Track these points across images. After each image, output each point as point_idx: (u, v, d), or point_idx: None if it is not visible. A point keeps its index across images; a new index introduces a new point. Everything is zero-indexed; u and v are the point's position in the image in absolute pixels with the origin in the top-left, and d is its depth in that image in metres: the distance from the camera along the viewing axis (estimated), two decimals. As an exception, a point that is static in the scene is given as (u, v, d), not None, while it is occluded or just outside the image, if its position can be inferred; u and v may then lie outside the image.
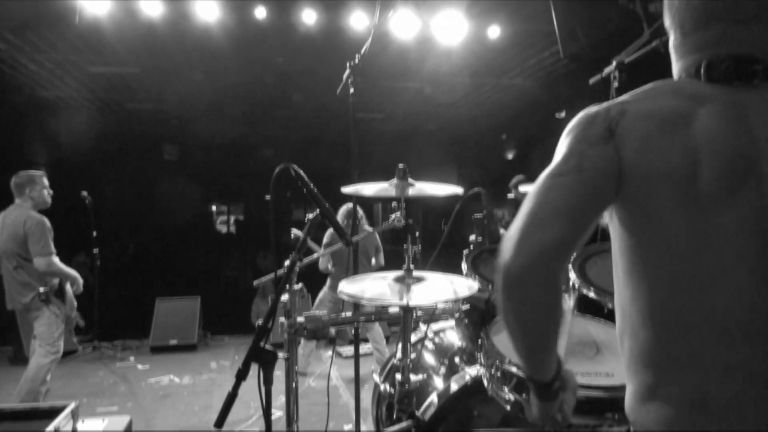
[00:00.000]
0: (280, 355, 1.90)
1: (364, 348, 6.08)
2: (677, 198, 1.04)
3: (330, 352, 6.61)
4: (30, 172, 4.59)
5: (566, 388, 1.27)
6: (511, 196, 5.92)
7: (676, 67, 1.25)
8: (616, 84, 2.61)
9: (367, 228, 5.37)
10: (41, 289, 4.36)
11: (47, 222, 4.44)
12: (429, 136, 10.77)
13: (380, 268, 5.11)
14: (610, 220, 1.20)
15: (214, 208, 13.03)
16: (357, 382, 2.98)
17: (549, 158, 1.19)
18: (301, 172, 1.92)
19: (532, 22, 5.94)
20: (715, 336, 1.02)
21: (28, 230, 4.30)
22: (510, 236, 1.08)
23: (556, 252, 1.05)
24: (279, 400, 2.36)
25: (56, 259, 4.39)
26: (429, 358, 2.63)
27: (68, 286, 4.57)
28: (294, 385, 2.08)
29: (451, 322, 2.70)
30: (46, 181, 4.66)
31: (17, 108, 7.74)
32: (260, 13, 5.59)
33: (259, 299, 7.76)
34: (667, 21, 1.25)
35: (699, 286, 1.03)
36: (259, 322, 1.78)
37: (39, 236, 4.31)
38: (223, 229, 13.18)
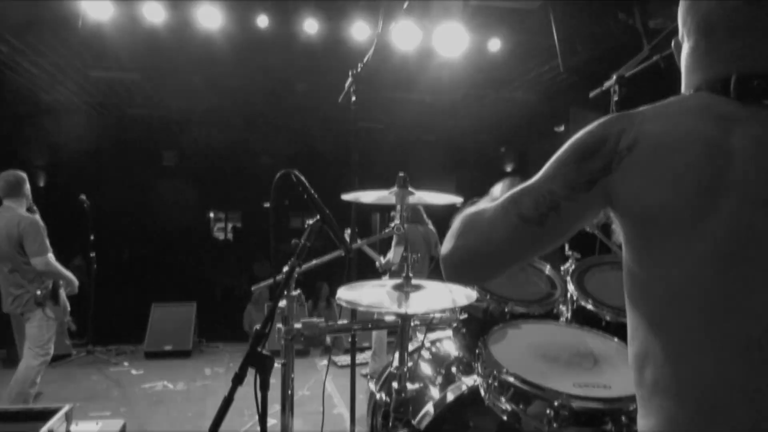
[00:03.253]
0: (277, 362, 1.90)
1: (360, 357, 6.06)
2: (684, 234, 0.97)
3: (325, 361, 6.62)
4: (17, 171, 4.47)
5: None
6: None
7: (692, 78, 1.13)
8: (616, 98, 2.63)
9: (427, 220, 5.61)
10: (38, 292, 4.32)
11: (41, 221, 4.39)
12: (429, 147, 10.81)
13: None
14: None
15: (211, 214, 13.04)
16: (352, 390, 2.98)
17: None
18: (302, 178, 1.92)
19: (532, 36, 5.99)
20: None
21: (23, 231, 4.23)
22: (455, 231, 1.19)
23: (481, 276, 1.28)
24: (273, 408, 2.33)
25: (53, 258, 4.35)
26: (426, 368, 2.62)
27: (62, 290, 4.52)
28: (289, 392, 2.08)
29: (449, 332, 2.70)
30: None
31: (17, 111, 7.75)
32: (262, 21, 5.63)
33: (252, 307, 7.74)
34: (685, 24, 1.13)
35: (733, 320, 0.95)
36: (257, 327, 1.78)
37: (35, 236, 4.25)
38: (221, 235, 13.18)
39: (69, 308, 4.66)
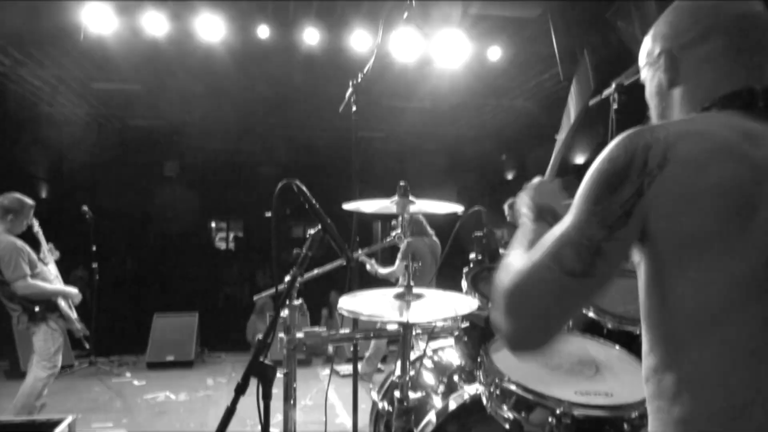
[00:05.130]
0: (279, 372, 1.90)
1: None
2: (717, 254, 0.94)
3: (327, 371, 6.60)
4: (23, 200, 4.38)
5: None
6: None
7: (705, 79, 1.12)
8: (615, 106, 2.64)
9: (430, 231, 5.62)
10: (36, 308, 4.28)
11: (17, 243, 4.25)
12: (429, 156, 10.82)
13: None
14: (636, 262, 1.10)
15: (213, 224, 13.04)
16: (355, 400, 2.97)
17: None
18: (304, 188, 1.93)
19: (532, 44, 6.02)
20: None
21: None
22: (501, 302, 1.08)
23: (543, 341, 1.07)
24: (276, 418, 2.33)
25: (33, 281, 4.22)
26: (428, 377, 2.62)
27: (60, 301, 4.48)
28: (292, 402, 2.08)
29: (451, 341, 2.70)
30: (31, 213, 4.49)
31: (20, 122, 7.78)
32: (263, 32, 5.66)
33: (256, 317, 7.73)
34: (701, 26, 1.12)
35: (731, 340, 0.95)
36: (259, 336, 1.78)
37: (8, 260, 4.11)
38: (222, 245, 13.18)
39: (74, 315, 4.65)
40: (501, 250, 5.09)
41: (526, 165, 10.30)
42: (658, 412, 1.05)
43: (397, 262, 5.33)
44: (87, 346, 6.00)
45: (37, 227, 4.70)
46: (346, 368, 6.34)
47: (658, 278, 1.03)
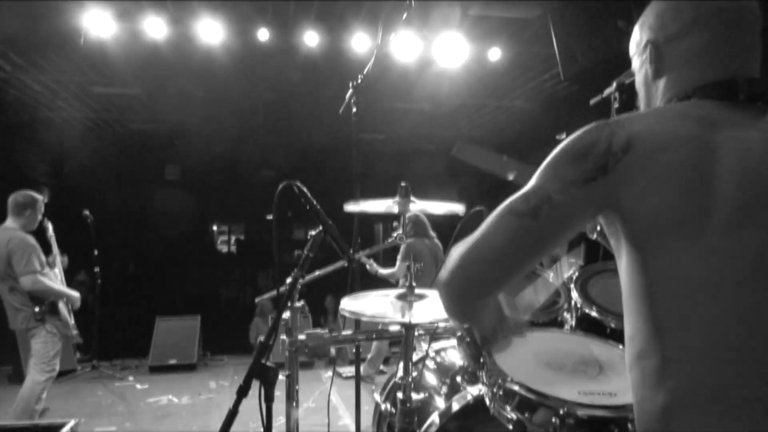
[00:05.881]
0: (281, 375, 1.89)
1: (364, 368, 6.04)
2: (689, 231, 0.98)
3: (330, 373, 6.59)
4: (33, 194, 4.51)
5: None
6: None
7: (686, 70, 1.14)
8: (616, 105, 2.63)
9: (432, 234, 5.60)
10: (36, 309, 4.32)
11: (31, 240, 4.37)
12: (429, 157, 10.82)
13: None
14: (616, 250, 1.13)
15: (215, 227, 13.05)
16: (357, 401, 2.97)
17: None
18: (305, 189, 1.93)
19: (532, 45, 6.01)
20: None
21: (10, 250, 4.22)
22: (453, 256, 1.14)
23: (486, 288, 1.16)
24: (278, 420, 2.32)
25: (41, 278, 4.30)
26: (430, 378, 2.61)
27: (61, 305, 4.51)
28: (294, 404, 2.07)
29: (453, 341, 2.69)
30: (43, 207, 4.60)
31: (21, 127, 7.79)
32: (263, 35, 5.66)
33: (259, 319, 7.73)
34: (680, 17, 1.15)
35: (711, 317, 0.96)
36: (261, 338, 1.78)
37: (21, 255, 4.22)
38: (224, 248, 13.19)
39: (72, 322, 4.67)
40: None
41: (526, 166, 10.30)
42: (643, 402, 1.05)
43: (398, 263, 5.32)
44: (78, 355, 6.01)
45: (51, 232, 4.85)
46: (349, 370, 6.34)
47: (637, 261, 1.05)
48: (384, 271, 5.45)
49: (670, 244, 0.99)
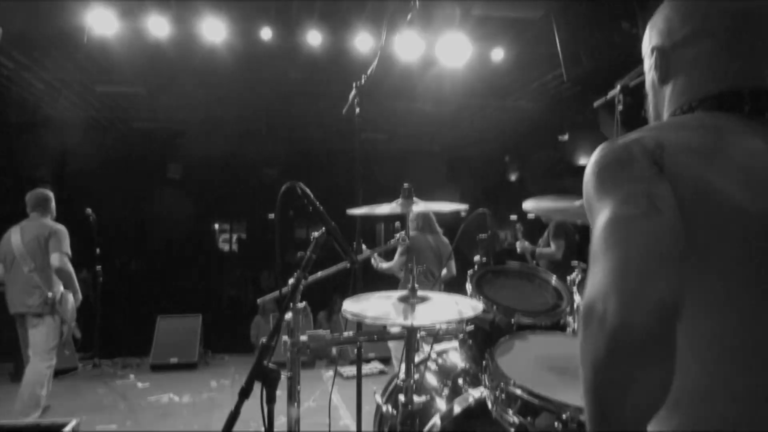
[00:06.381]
0: (283, 375, 1.89)
1: (366, 368, 6.04)
2: (736, 232, 0.91)
3: (331, 373, 6.59)
4: (45, 190, 4.87)
5: None
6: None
7: (692, 79, 1.11)
8: (620, 107, 2.63)
9: (438, 229, 5.45)
10: (49, 294, 4.51)
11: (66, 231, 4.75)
12: (432, 157, 10.82)
13: (451, 278, 5.12)
14: None
15: (216, 226, 13.06)
16: (359, 402, 2.96)
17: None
18: (307, 190, 1.92)
19: (535, 45, 6.00)
20: None
21: (53, 232, 4.59)
22: (600, 295, 0.82)
23: (675, 308, 0.81)
24: (279, 420, 2.33)
25: (67, 261, 4.60)
26: (432, 380, 2.60)
27: (70, 297, 4.68)
28: (295, 404, 2.06)
29: (455, 343, 2.68)
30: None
31: (23, 125, 7.80)
32: (266, 34, 5.66)
33: (260, 318, 7.72)
34: (694, 25, 1.10)
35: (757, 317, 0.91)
36: (263, 339, 1.77)
37: (60, 237, 4.60)
38: (226, 247, 13.19)
39: (75, 315, 4.76)
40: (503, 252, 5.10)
41: (529, 165, 10.30)
42: (656, 421, 0.97)
43: (396, 256, 5.30)
44: (66, 352, 6.03)
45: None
46: (350, 370, 6.34)
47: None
48: (384, 265, 5.45)
49: (716, 247, 0.93)
